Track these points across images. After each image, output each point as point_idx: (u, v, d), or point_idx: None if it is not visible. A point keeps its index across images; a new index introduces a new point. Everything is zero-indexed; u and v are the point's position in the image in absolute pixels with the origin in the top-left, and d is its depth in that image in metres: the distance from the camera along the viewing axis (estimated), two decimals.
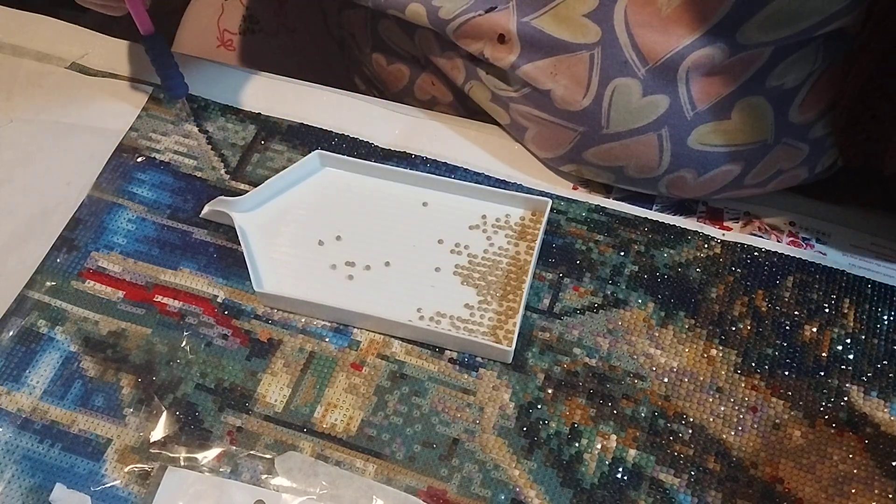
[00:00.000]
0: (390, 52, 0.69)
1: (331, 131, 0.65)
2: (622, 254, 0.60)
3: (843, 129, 0.57)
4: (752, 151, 0.56)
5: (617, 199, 0.63)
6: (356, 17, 0.70)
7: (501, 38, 0.57)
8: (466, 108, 0.67)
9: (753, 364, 0.55)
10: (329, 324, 0.57)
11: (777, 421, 0.53)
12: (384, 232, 0.60)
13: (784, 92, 0.55)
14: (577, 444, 0.52)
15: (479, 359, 0.55)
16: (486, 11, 0.58)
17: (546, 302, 0.58)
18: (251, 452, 0.52)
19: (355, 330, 0.57)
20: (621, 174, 0.59)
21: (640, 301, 0.58)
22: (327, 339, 0.56)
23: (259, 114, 0.66)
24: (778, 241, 0.61)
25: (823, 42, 0.54)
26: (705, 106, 0.54)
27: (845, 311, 0.57)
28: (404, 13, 0.61)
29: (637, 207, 0.62)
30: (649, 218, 0.61)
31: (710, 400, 0.54)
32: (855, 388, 0.54)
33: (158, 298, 0.58)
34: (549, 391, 0.54)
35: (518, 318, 0.55)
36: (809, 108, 0.56)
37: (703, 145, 0.56)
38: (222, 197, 0.60)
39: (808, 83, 0.55)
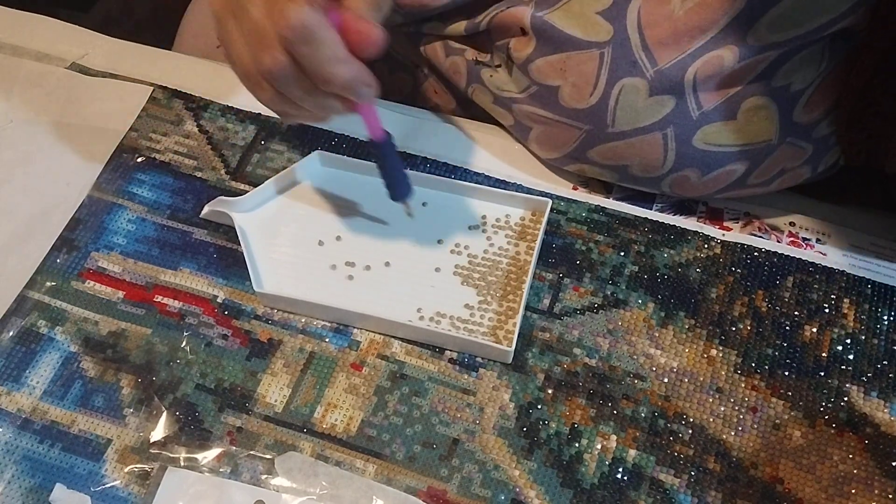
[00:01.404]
0: (393, 62, 0.69)
1: (331, 131, 0.65)
2: (622, 254, 0.60)
3: (845, 127, 0.57)
4: (757, 151, 0.56)
5: (617, 199, 0.63)
6: None
7: (523, 32, 0.58)
8: (470, 116, 0.68)
9: (753, 364, 0.55)
10: (329, 324, 0.57)
11: (777, 421, 0.53)
12: (384, 232, 0.60)
13: (790, 92, 0.55)
14: (577, 445, 0.52)
15: (479, 359, 0.55)
16: (508, 8, 0.58)
17: (546, 302, 0.58)
18: (251, 452, 0.52)
19: (355, 330, 0.57)
20: (625, 173, 0.59)
21: (640, 301, 0.58)
22: (327, 340, 0.56)
23: (259, 114, 0.66)
24: (778, 242, 0.61)
25: (830, 42, 0.54)
26: (711, 106, 0.54)
27: (845, 311, 0.57)
28: (445, 31, 0.63)
29: (637, 207, 0.62)
30: (649, 218, 0.61)
31: (710, 400, 0.54)
32: (855, 388, 0.54)
33: (158, 298, 0.58)
34: (549, 391, 0.54)
35: (518, 319, 0.55)
36: (814, 107, 0.56)
37: (707, 145, 0.56)
38: (222, 197, 0.60)
39: (815, 84, 0.55)
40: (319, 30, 0.45)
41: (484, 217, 0.61)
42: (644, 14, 0.53)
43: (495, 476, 0.52)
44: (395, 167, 0.56)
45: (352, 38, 0.47)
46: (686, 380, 0.55)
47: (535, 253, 0.58)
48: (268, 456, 0.52)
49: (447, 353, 0.56)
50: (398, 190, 0.57)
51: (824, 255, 0.60)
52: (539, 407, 0.54)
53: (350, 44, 0.47)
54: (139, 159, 0.64)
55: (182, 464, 0.52)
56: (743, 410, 0.53)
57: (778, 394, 0.54)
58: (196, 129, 0.66)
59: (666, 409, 0.54)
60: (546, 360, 0.55)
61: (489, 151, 0.65)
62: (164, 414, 0.53)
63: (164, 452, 0.52)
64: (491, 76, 0.61)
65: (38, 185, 0.63)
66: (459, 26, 0.62)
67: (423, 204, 0.61)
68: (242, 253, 0.58)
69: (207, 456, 0.52)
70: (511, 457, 0.52)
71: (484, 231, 0.60)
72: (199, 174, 0.64)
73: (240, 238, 0.58)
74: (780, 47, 0.52)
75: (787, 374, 0.55)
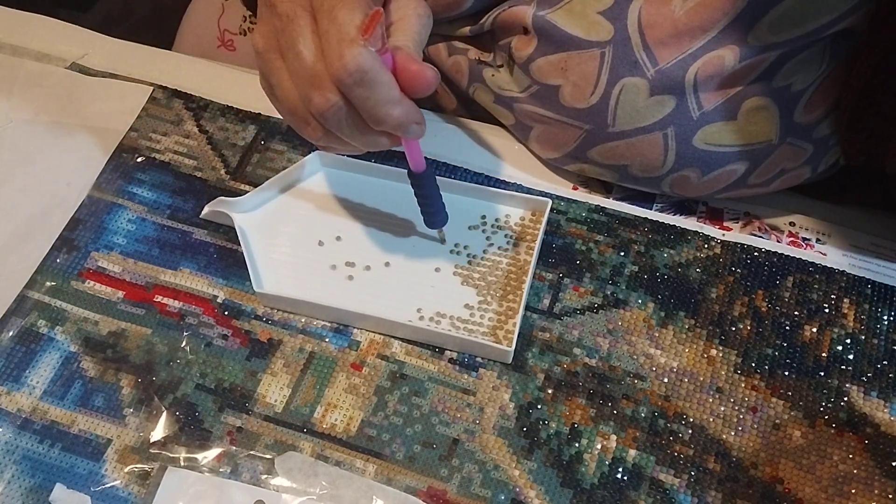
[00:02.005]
0: None
1: None
2: (622, 254, 0.60)
3: (845, 127, 0.57)
4: (757, 151, 0.56)
5: (617, 199, 0.63)
6: None
7: (525, 31, 0.58)
8: (471, 116, 0.67)
9: (753, 364, 0.55)
10: (329, 324, 0.57)
11: (777, 421, 0.53)
12: (384, 232, 0.60)
13: (791, 93, 0.55)
14: (577, 445, 0.52)
15: (479, 359, 0.55)
16: (510, 7, 0.58)
17: (546, 302, 0.58)
18: (251, 452, 0.52)
19: (355, 330, 0.57)
20: (625, 173, 0.59)
21: (640, 301, 0.58)
22: (327, 340, 0.56)
23: (259, 114, 0.66)
24: (778, 242, 0.61)
25: (830, 42, 0.54)
26: (712, 106, 0.54)
27: (845, 311, 0.57)
28: (451, 32, 0.63)
29: (637, 207, 0.62)
30: (649, 218, 0.61)
31: (710, 400, 0.54)
32: (855, 388, 0.54)
33: (158, 298, 0.58)
34: (549, 391, 0.54)
35: (518, 319, 0.55)
36: (814, 107, 0.56)
37: (707, 145, 0.56)
38: (222, 197, 0.60)
39: (815, 84, 0.55)
40: (376, 73, 0.45)
41: (484, 217, 0.61)
42: (645, 14, 0.53)
43: (495, 476, 0.52)
44: (435, 196, 0.57)
45: (405, 79, 0.47)
46: (686, 380, 0.55)
47: (535, 253, 0.58)
48: (268, 456, 0.52)
49: (447, 353, 0.56)
50: (436, 217, 0.58)
51: (824, 255, 0.60)
52: (539, 407, 0.54)
53: (402, 83, 0.47)
54: (139, 159, 0.64)
55: (182, 464, 0.52)
56: (743, 410, 0.53)
57: (778, 394, 0.54)
58: (196, 129, 0.66)
59: (666, 409, 0.54)
60: (546, 360, 0.55)
61: (489, 151, 0.65)
62: (164, 414, 0.53)
63: (164, 452, 0.52)
64: (493, 76, 0.61)
65: (38, 185, 0.63)
66: (465, 29, 0.62)
67: None
68: (242, 253, 0.58)
69: (207, 456, 0.52)
70: (511, 457, 0.52)
71: (484, 231, 0.60)
72: (199, 174, 0.64)
73: (240, 238, 0.58)
74: (780, 48, 0.52)
75: (787, 374, 0.55)
